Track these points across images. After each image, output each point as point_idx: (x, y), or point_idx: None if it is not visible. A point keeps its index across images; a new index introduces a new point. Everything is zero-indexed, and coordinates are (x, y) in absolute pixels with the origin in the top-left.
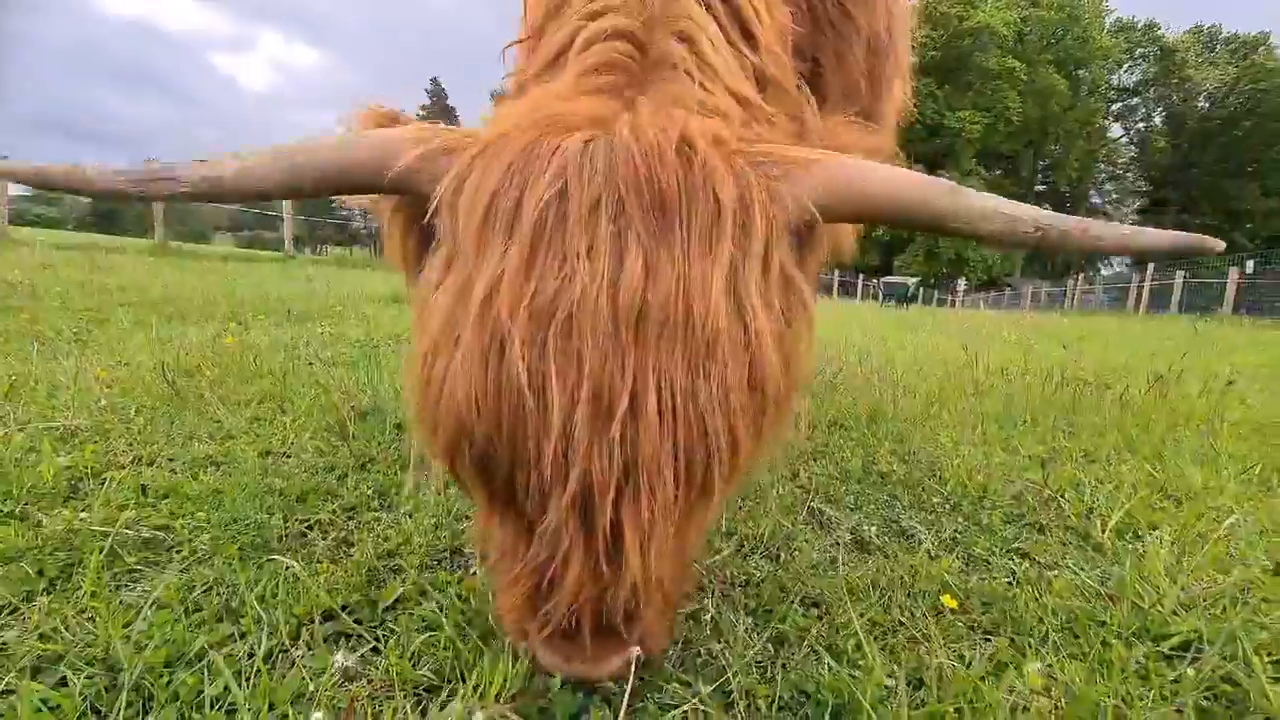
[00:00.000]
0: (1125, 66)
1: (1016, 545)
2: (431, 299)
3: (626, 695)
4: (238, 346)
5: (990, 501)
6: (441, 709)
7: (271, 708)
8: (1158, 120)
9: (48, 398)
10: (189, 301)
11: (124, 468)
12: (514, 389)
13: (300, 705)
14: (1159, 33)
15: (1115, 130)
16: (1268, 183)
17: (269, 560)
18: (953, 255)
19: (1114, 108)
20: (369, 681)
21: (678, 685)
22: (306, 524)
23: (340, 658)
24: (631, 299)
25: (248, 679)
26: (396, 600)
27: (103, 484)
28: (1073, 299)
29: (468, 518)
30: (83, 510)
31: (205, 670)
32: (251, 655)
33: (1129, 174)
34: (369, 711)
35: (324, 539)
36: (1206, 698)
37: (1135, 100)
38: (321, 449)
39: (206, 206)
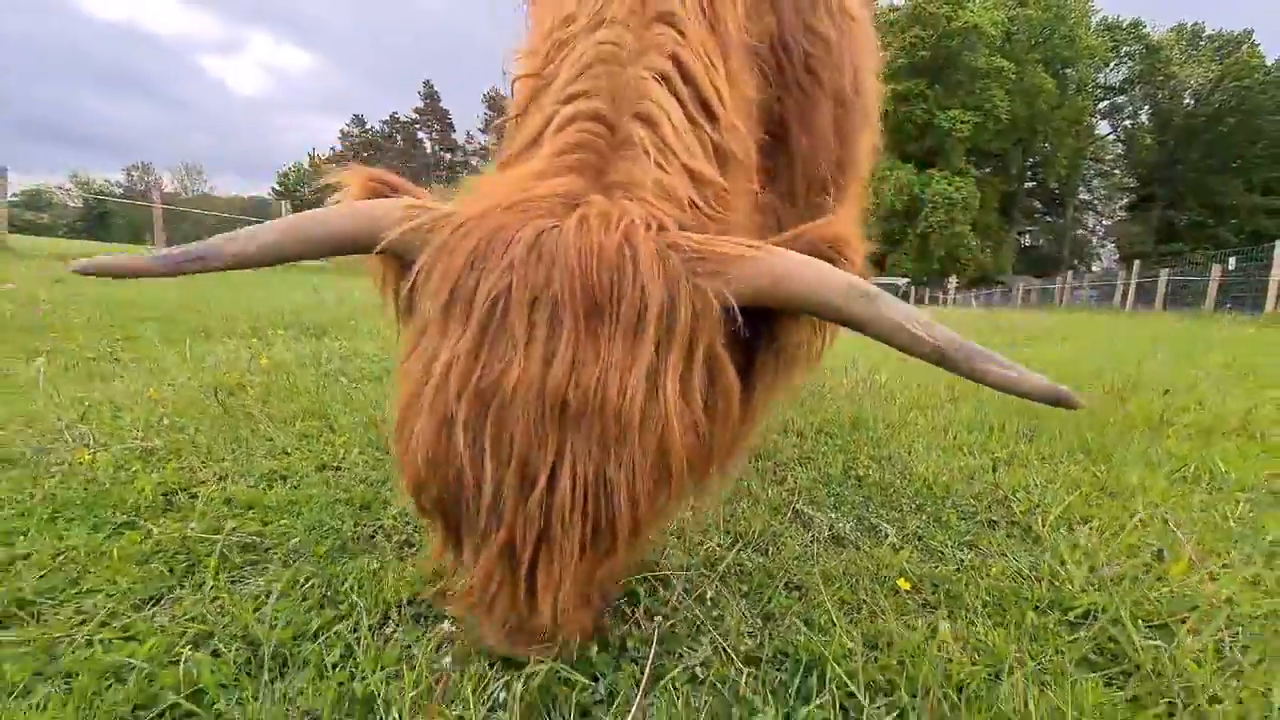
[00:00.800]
0: (1111, 65)
1: (968, 538)
2: (405, 365)
3: (651, 656)
4: (271, 365)
5: (952, 501)
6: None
7: (382, 667)
8: (1144, 117)
9: (113, 419)
10: (209, 316)
11: (206, 483)
12: (456, 460)
13: (405, 663)
14: (1144, 31)
15: (1103, 128)
16: (1252, 178)
17: (349, 559)
18: (943, 253)
19: (1101, 105)
20: (463, 643)
21: (687, 649)
22: (372, 529)
23: (446, 625)
24: (557, 388)
25: (359, 648)
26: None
27: (193, 498)
28: (1062, 296)
29: None
30: (189, 521)
31: (324, 644)
32: (355, 631)
33: (1117, 171)
34: (460, 675)
35: (388, 541)
36: (1093, 653)
37: (1122, 98)
38: (369, 462)
39: (197, 213)
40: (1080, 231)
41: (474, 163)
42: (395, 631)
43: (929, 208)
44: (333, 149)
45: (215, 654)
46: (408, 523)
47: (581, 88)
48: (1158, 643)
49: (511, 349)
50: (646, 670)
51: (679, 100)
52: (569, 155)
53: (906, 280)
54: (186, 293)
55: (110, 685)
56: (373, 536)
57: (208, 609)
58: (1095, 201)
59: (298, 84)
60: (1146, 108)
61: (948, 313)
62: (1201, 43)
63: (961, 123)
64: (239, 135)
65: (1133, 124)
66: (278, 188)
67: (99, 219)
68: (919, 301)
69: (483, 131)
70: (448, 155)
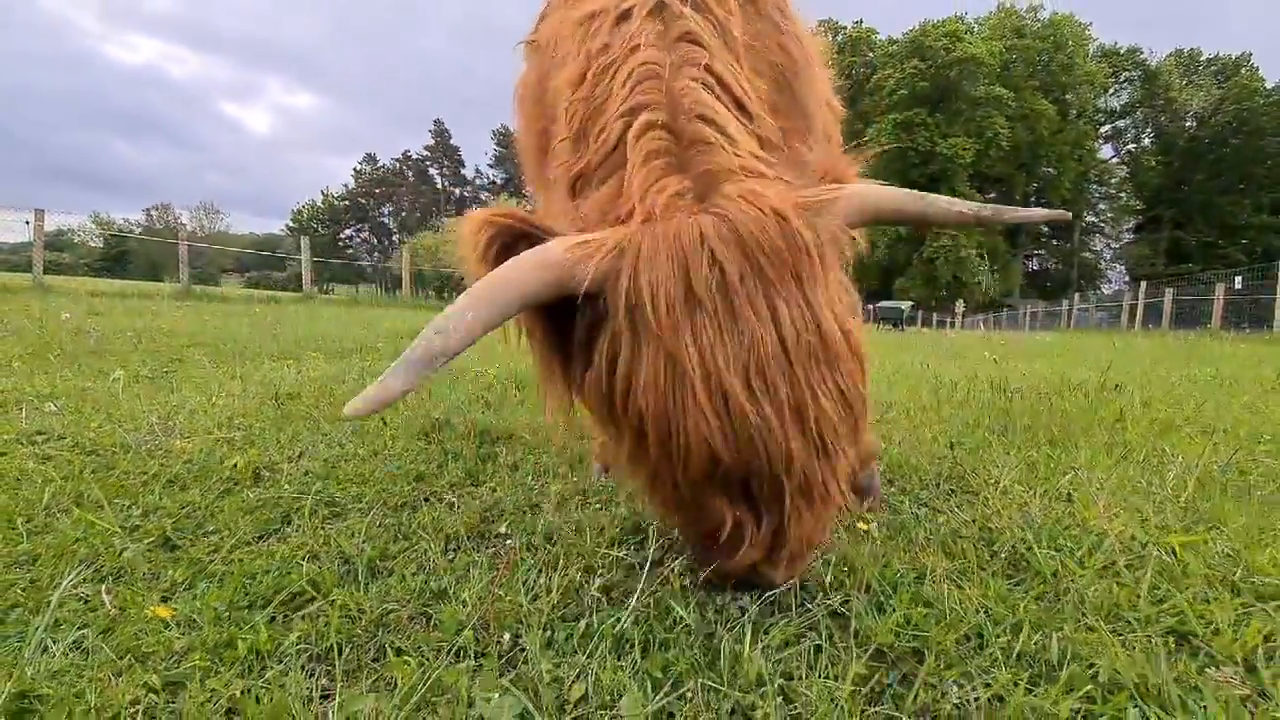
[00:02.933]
0: (1111, 90)
1: (925, 501)
2: (629, 375)
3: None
4: (317, 378)
5: (918, 477)
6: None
7: (453, 573)
8: (1147, 141)
9: (190, 419)
10: (246, 342)
11: (284, 463)
12: (744, 421)
13: (470, 571)
14: (1141, 57)
15: (1106, 151)
16: (1260, 198)
17: (413, 512)
18: (950, 278)
19: (1103, 130)
20: (515, 545)
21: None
22: (427, 494)
23: (504, 529)
24: (794, 337)
25: (431, 563)
26: (506, 529)
27: (274, 473)
28: (1069, 318)
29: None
30: (280, 486)
31: (403, 560)
32: (426, 553)
33: (1123, 193)
34: (516, 561)
35: (441, 502)
36: (1010, 571)
37: (1124, 122)
38: (416, 449)
39: (215, 249)
40: (1088, 254)
41: (483, 197)
42: (457, 554)
43: (933, 233)
44: (345, 186)
45: (325, 567)
46: (452, 489)
47: (640, 101)
48: (1059, 558)
49: (748, 320)
50: (648, 560)
51: (720, 102)
52: (658, 160)
53: (911, 304)
54: (217, 323)
55: (254, 579)
56: (428, 499)
57: (310, 539)
58: (1102, 224)
59: (310, 124)
60: (1149, 131)
61: (955, 336)
62: (1199, 67)
63: (963, 150)
64: (253, 174)
65: (1136, 147)
66: (291, 224)
67: (118, 258)
68: (926, 325)
69: (491, 167)
70: (457, 190)
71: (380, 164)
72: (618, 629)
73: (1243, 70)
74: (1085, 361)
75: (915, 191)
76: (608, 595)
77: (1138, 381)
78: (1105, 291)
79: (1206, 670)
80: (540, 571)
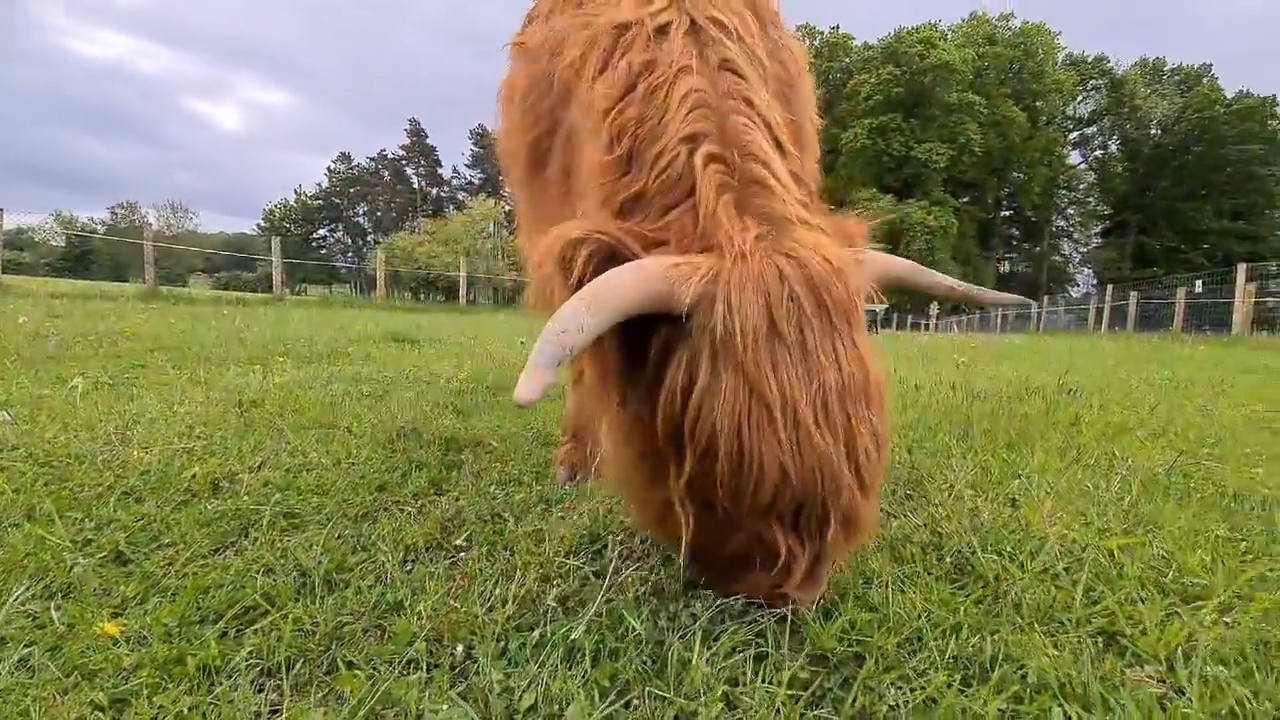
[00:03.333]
0: (1079, 98)
1: (881, 506)
2: (706, 397)
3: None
4: (282, 384)
5: None
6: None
7: (410, 585)
8: (1113, 148)
9: (150, 427)
10: (212, 347)
11: (244, 473)
12: (811, 450)
13: (427, 583)
14: (1108, 66)
15: (1074, 157)
16: (1221, 204)
17: (374, 523)
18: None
19: (1072, 136)
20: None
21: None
22: (388, 504)
23: (461, 541)
24: (850, 379)
25: (388, 575)
26: (465, 540)
27: (234, 484)
28: (1039, 321)
29: (506, 493)
30: (239, 497)
31: (359, 573)
32: (384, 565)
33: (1090, 199)
34: (473, 573)
35: (403, 512)
36: (954, 575)
37: (1091, 129)
38: (380, 458)
39: (182, 249)
40: (1057, 258)
41: (460, 197)
42: (415, 566)
43: (909, 236)
44: (319, 185)
45: (281, 580)
46: (416, 498)
47: (698, 129)
48: (1000, 562)
49: (817, 358)
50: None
51: (768, 142)
52: (727, 195)
53: (885, 306)
54: (182, 326)
55: (207, 594)
56: (389, 509)
57: (267, 552)
58: (1071, 228)
59: (283, 122)
60: (1115, 138)
61: (927, 338)
62: (1164, 76)
63: (938, 155)
64: (224, 173)
65: (1103, 154)
66: (263, 224)
67: (80, 258)
68: (900, 328)
69: (469, 167)
70: (434, 190)
71: (355, 163)
72: (571, 639)
73: (1204, 80)
74: (1049, 364)
75: (918, 265)
76: (564, 605)
77: (1097, 385)
78: (1074, 294)
79: (1127, 670)
80: (497, 582)
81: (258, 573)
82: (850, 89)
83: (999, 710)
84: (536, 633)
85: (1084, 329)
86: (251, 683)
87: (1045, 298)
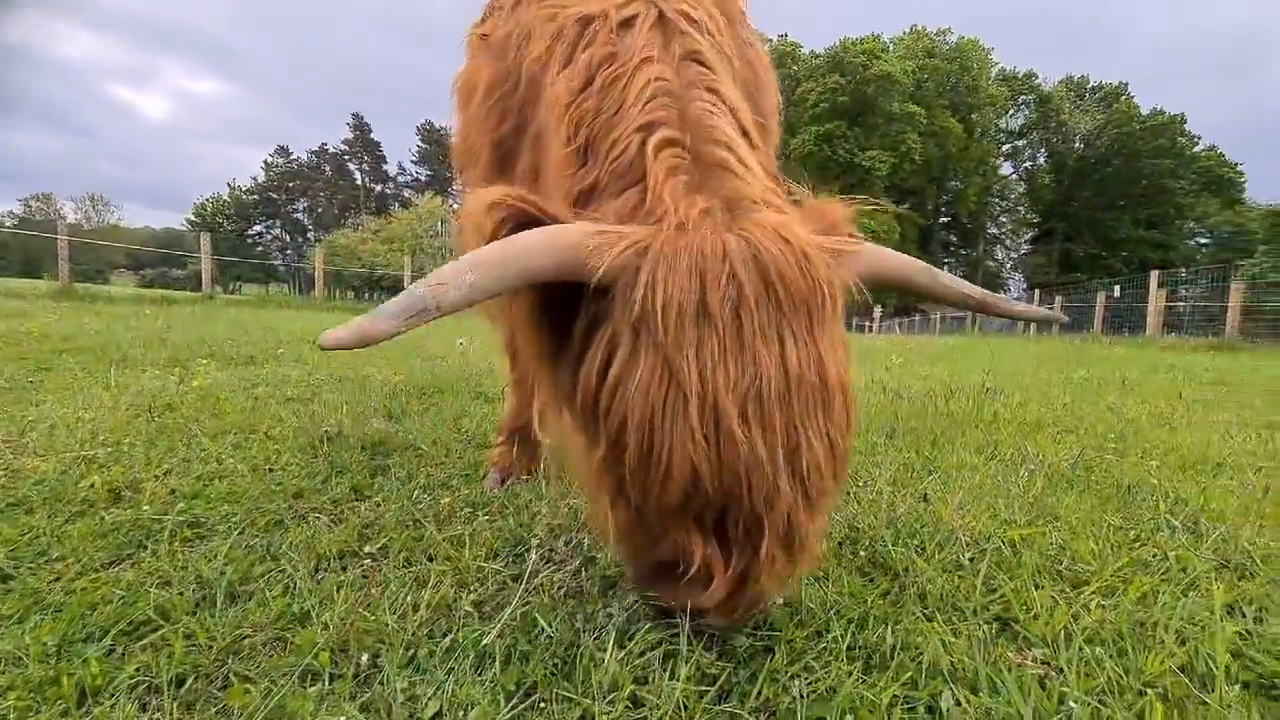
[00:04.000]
0: (1011, 112)
1: None
2: (622, 378)
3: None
4: (201, 389)
5: None
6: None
7: (318, 595)
8: (1042, 160)
9: (50, 434)
10: (129, 348)
11: (150, 481)
12: (733, 450)
13: (336, 593)
14: (1036, 82)
15: (1006, 168)
16: (1138, 214)
17: (285, 532)
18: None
19: (1004, 148)
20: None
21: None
22: (304, 512)
23: (374, 549)
24: (801, 375)
25: (296, 585)
26: (380, 548)
27: (137, 493)
28: (975, 322)
29: (432, 499)
30: (140, 507)
31: (266, 583)
32: (292, 575)
33: (1020, 208)
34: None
35: (320, 519)
36: (866, 569)
37: (1021, 142)
38: (301, 464)
39: (105, 244)
40: (991, 263)
41: (407, 194)
42: (326, 575)
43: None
44: (254, 179)
45: (179, 593)
46: (335, 505)
47: (656, 117)
48: (909, 555)
49: (756, 348)
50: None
51: (733, 129)
52: (679, 177)
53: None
54: (94, 326)
55: (94, 610)
56: (305, 516)
57: (166, 563)
58: (1003, 235)
59: (214, 113)
60: (1043, 151)
61: (868, 339)
62: (1087, 94)
63: (881, 162)
64: (150, 164)
65: (1032, 165)
66: (194, 219)
67: None
68: (848, 328)
69: (416, 163)
70: (378, 187)
71: (294, 157)
72: (482, 644)
73: (1121, 99)
74: (979, 365)
75: (927, 266)
76: (480, 610)
77: (1018, 384)
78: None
79: (1014, 653)
80: (411, 589)
81: (153, 586)
82: (798, 96)
83: (894, 696)
84: (448, 639)
85: (1015, 331)
86: (136, 701)
87: None
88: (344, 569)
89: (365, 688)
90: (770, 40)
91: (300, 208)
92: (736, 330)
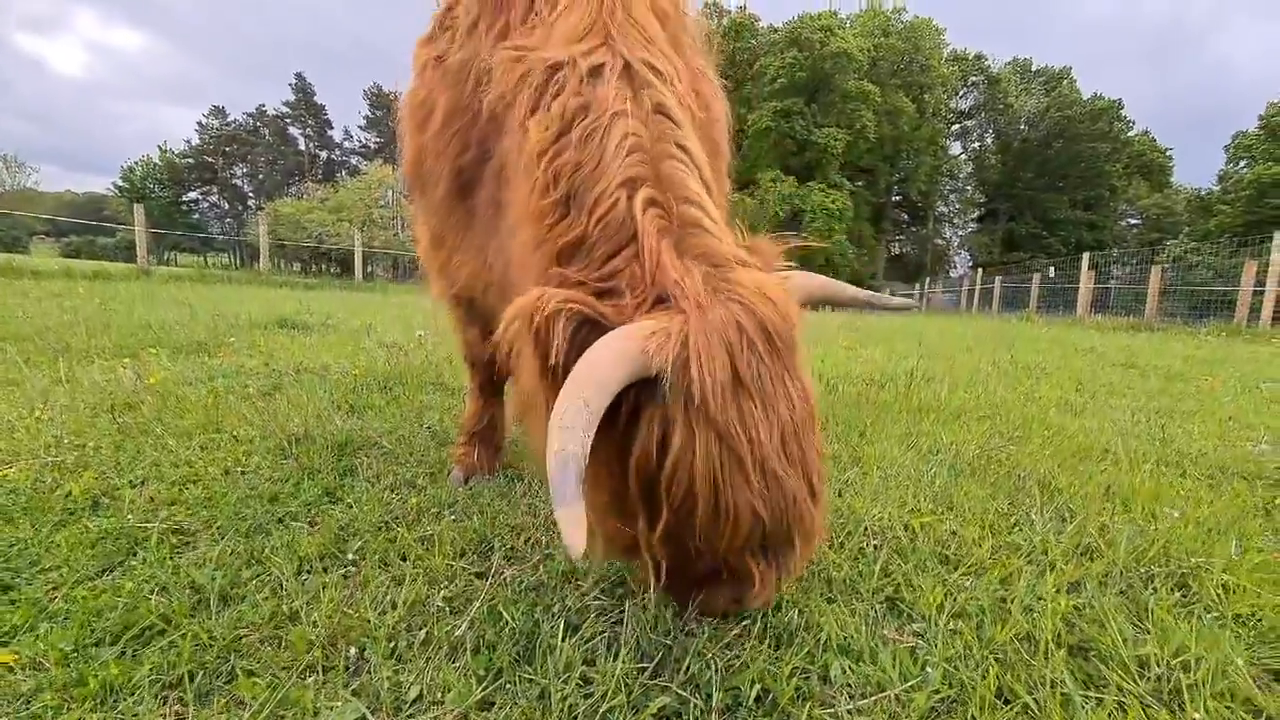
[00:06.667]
0: (960, 92)
1: None
2: (682, 452)
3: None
4: (158, 384)
5: None
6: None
7: (305, 595)
8: (989, 140)
9: (9, 438)
10: (69, 334)
11: (126, 488)
12: (778, 486)
13: (321, 592)
14: (986, 64)
15: (955, 148)
16: (1075, 196)
17: (266, 536)
18: (823, 261)
19: (953, 128)
20: (365, 569)
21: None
22: (281, 516)
23: (351, 555)
24: (799, 411)
25: (283, 587)
26: (358, 549)
27: (116, 500)
28: (923, 300)
29: (402, 500)
30: (123, 515)
31: (254, 586)
32: (278, 578)
33: (968, 187)
34: (363, 583)
35: (296, 522)
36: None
37: (970, 122)
38: (271, 466)
39: (18, 213)
40: (939, 241)
41: (354, 162)
42: (310, 576)
43: (809, 218)
44: (187, 142)
45: (176, 598)
46: (309, 508)
47: (636, 174)
48: (821, 546)
49: (774, 399)
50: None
51: (698, 185)
52: (668, 238)
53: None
54: (23, 306)
55: (99, 616)
56: (281, 520)
57: (159, 571)
58: (951, 214)
59: (137, 68)
60: (990, 131)
61: (827, 316)
62: (1032, 76)
63: (836, 140)
64: (64, 121)
65: (979, 146)
66: (122, 184)
67: None
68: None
69: (364, 129)
70: (323, 154)
71: (231, 119)
72: (454, 635)
73: (1064, 82)
74: (918, 348)
75: (832, 280)
76: (450, 605)
77: (948, 368)
78: (953, 275)
79: (894, 629)
80: (388, 588)
81: (151, 593)
82: (757, 70)
83: (794, 667)
84: (424, 632)
85: (959, 310)
86: (156, 696)
87: (929, 279)
88: (325, 570)
89: (355, 677)
90: (729, 12)
91: (239, 174)
92: (760, 388)
